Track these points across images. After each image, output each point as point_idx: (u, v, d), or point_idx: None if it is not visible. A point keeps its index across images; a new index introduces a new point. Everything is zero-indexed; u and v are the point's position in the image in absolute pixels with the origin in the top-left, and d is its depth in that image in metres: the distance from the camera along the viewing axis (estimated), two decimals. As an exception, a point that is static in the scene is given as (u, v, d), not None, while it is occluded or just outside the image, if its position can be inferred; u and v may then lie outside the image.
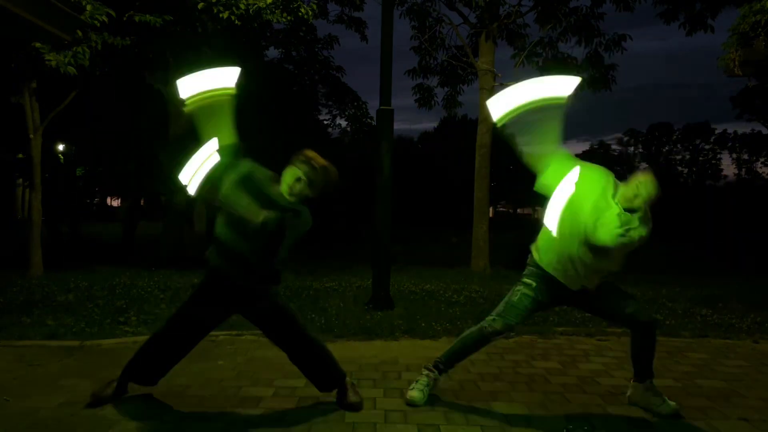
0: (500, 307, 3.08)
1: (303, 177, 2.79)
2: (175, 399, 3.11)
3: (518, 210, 56.11)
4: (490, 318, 3.07)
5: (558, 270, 2.92)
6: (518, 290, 3.04)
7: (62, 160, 17.95)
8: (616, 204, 2.80)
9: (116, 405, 2.94)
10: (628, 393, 3.14)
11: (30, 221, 8.28)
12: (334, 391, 3.09)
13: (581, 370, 3.79)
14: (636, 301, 3.02)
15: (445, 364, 3.20)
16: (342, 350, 4.16)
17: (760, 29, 6.50)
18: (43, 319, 4.94)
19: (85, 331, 4.59)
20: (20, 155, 16.01)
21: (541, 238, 3.03)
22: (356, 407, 2.98)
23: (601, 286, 2.97)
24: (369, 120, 17.28)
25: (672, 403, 2.97)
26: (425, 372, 3.18)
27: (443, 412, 2.98)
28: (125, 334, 4.58)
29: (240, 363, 3.82)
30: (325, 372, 3.07)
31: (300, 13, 8.69)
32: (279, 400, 3.12)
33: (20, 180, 20.47)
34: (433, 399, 3.15)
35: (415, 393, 3.11)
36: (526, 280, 3.04)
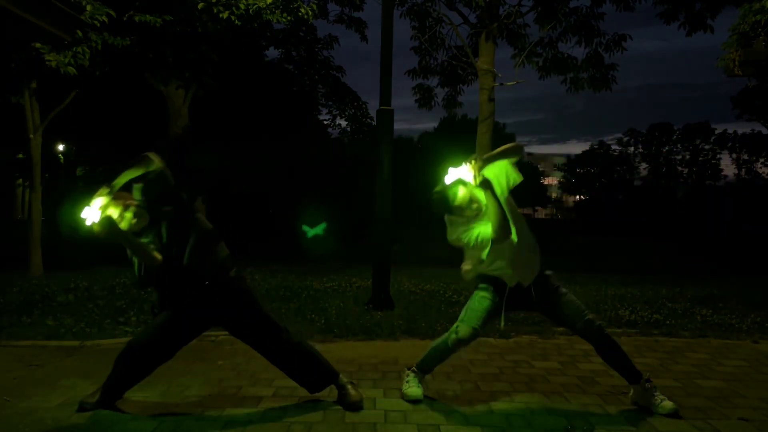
0: (462, 313, 3.12)
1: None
2: (175, 399, 3.11)
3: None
4: (455, 326, 3.10)
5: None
6: (478, 294, 3.10)
7: (62, 160, 17.95)
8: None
9: (116, 405, 2.94)
10: (629, 394, 3.14)
11: (30, 221, 8.27)
12: (335, 392, 3.08)
13: (581, 370, 3.79)
14: (586, 317, 3.00)
15: (423, 371, 3.25)
16: (342, 350, 4.16)
17: (760, 29, 6.49)
18: (43, 319, 4.94)
19: (85, 331, 4.59)
20: (20, 155, 16.02)
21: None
22: (356, 407, 2.98)
23: (559, 295, 3.03)
24: (369, 120, 17.25)
25: (670, 403, 2.97)
26: (411, 373, 3.23)
27: (443, 412, 2.98)
28: (125, 334, 4.58)
29: (240, 363, 3.82)
30: (309, 373, 3.04)
31: (300, 13, 8.69)
32: (279, 400, 3.12)
33: (20, 180, 20.47)
34: (433, 399, 3.15)
35: (415, 390, 3.14)
36: (483, 285, 3.10)
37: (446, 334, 3.15)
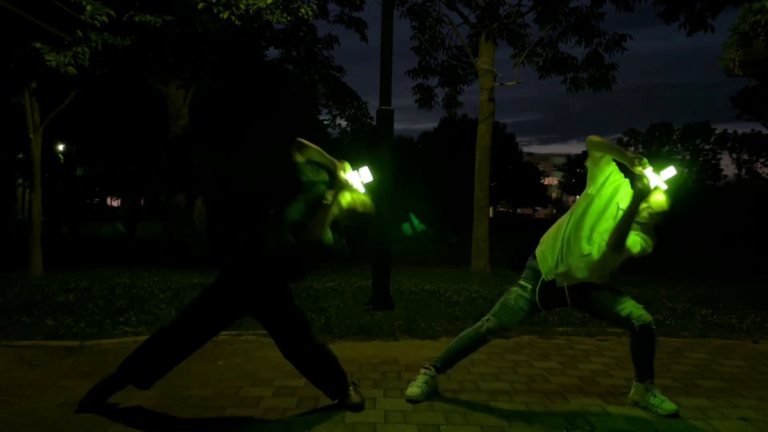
0: (495, 307, 3.16)
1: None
2: (175, 399, 3.11)
3: (518, 210, 56.22)
4: (485, 318, 3.15)
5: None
6: (514, 290, 3.13)
7: (62, 160, 17.96)
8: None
9: (116, 405, 2.94)
10: (630, 393, 3.14)
11: (30, 221, 8.27)
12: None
13: (581, 370, 3.79)
14: (633, 303, 2.98)
15: (443, 365, 3.24)
16: (342, 350, 4.15)
17: (760, 29, 6.49)
18: (43, 319, 4.93)
19: (85, 331, 4.59)
20: (20, 155, 16.03)
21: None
22: (358, 407, 2.98)
23: (598, 287, 3.00)
24: (369, 120, 17.25)
25: (671, 403, 2.97)
26: (423, 371, 3.22)
27: (443, 412, 2.98)
28: (125, 334, 4.58)
29: (240, 363, 3.82)
30: (332, 378, 3.05)
31: (300, 14, 8.69)
32: (279, 400, 3.12)
33: (20, 180, 20.47)
34: (433, 399, 3.15)
35: (414, 389, 3.14)
36: (522, 282, 3.12)
37: (476, 325, 3.17)
